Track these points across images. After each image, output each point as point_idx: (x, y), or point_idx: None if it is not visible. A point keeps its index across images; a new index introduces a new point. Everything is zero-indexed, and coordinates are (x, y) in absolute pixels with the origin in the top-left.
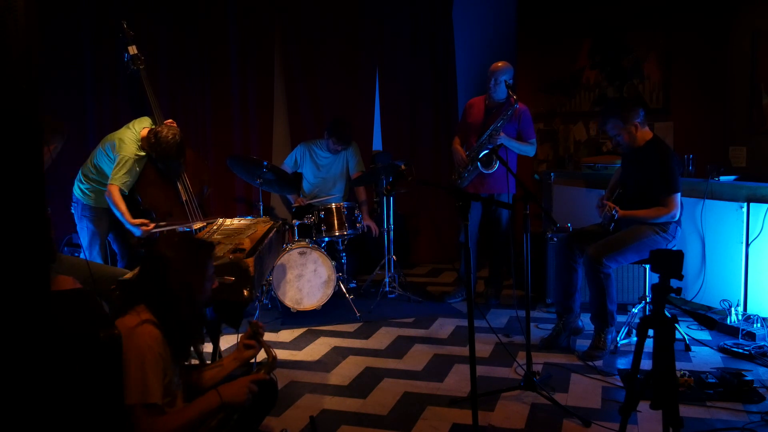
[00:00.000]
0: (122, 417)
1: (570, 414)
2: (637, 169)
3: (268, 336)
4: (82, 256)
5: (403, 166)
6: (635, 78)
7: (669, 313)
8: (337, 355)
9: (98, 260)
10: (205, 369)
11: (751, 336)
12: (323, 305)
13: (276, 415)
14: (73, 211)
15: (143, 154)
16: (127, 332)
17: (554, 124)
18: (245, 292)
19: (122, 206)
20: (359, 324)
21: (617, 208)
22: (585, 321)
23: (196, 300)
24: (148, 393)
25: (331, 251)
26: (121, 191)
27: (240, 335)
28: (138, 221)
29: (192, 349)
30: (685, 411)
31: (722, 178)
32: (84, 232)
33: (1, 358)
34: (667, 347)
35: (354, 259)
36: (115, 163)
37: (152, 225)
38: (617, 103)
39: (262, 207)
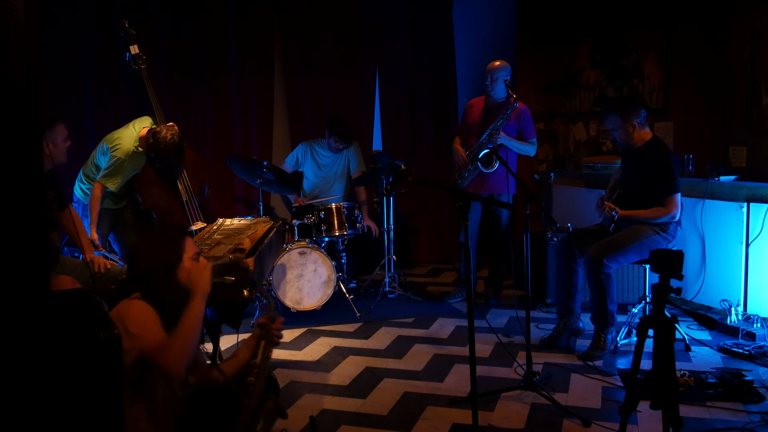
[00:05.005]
0: (122, 417)
1: (570, 414)
2: (637, 169)
3: None
4: (82, 256)
5: (403, 166)
6: (635, 78)
7: (669, 313)
8: (337, 355)
9: None
10: (221, 364)
11: (751, 336)
12: (323, 305)
13: None
14: None
15: (140, 151)
16: (116, 313)
17: (554, 124)
18: (245, 292)
19: (94, 212)
20: (359, 324)
21: (617, 209)
22: (585, 321)
23: (176, 276)
24: (140, 340)
25: (331, 251)
26: (109, 190)
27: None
28: (93, 237)
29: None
30: (685, 411)
31: (722, 178)
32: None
33: (1, 358)
34: (667, 347)
35: (354, 259)
36: (106, 162)
37: (104, 262)
38: (621, 101)
39: (262, 207)
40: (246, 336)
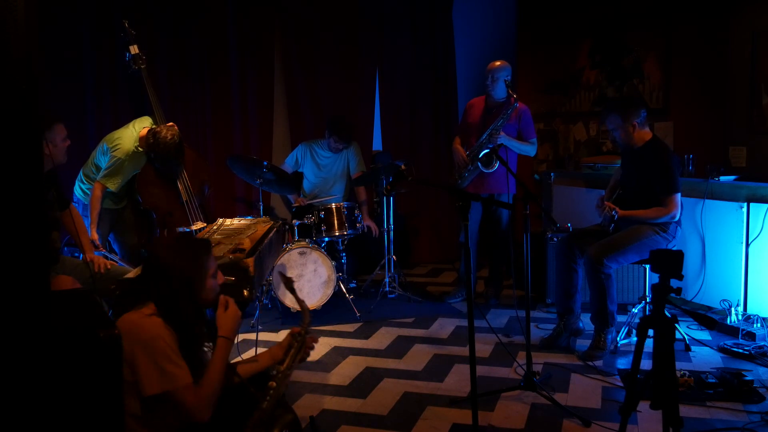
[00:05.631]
0: (122, 417)
1: (570, 414)
2: (637, 169)
3: (267, 335)
4: (82, 256)
5: (403, 166)
6: (635, 78)
7: (669, 313)
8: (337, 355)
9: None
10: (237, 366)
11: (751, 336)
12: (323, 305)
13: None
14: None
15: (140, 151)
16: (130, 326)
17: (554, 124)
18: (245, 292)
19: (94, 212)
20: (359, 324)
21: (617, 209)
22: (585, 321)
23: (197, 295)
24: (169, 379)
25: (331, 251)
26: (109, 190)
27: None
28: (93, 237)
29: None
30: (685, 411)
31: (722, 178)
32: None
33: (1, 358)
34: (667, 347)
35: (354, 259)
36: (106, 162)
37: (104, 262)
38: (621, 101)
39: (262, 207)
40: (246, 336)
